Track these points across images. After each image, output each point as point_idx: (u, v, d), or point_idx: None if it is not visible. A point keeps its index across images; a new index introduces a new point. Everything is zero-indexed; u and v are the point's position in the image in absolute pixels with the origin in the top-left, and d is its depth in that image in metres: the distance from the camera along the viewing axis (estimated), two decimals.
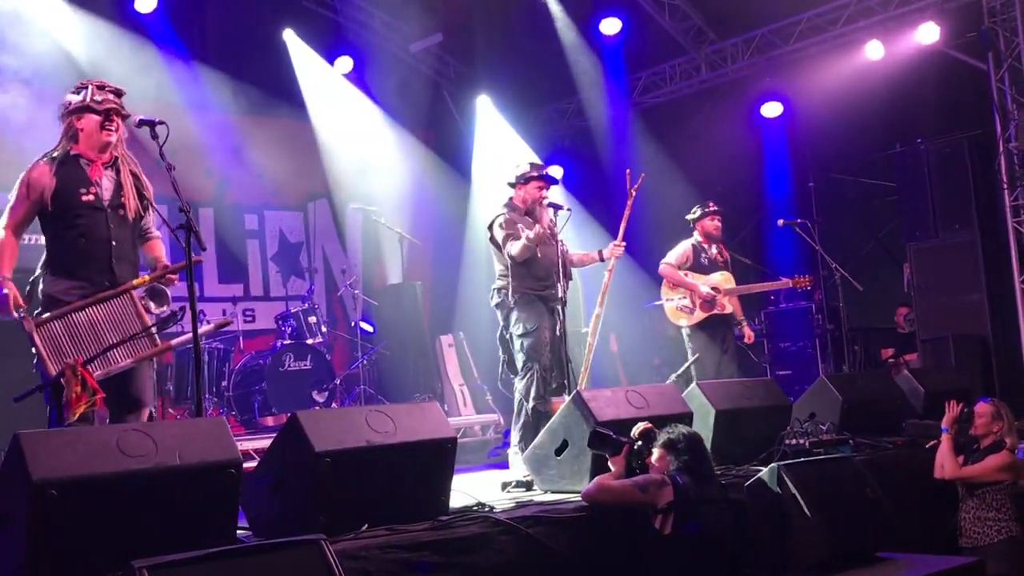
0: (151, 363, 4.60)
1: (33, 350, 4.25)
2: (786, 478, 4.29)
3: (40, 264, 4.51)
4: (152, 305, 4.50)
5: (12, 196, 4.46)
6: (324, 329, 9.09)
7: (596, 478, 4.30)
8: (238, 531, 3.60)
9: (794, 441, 5.47)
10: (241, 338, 9.23)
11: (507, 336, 6.39)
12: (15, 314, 4.28)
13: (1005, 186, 8.46)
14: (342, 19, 10.92)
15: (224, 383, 8.61)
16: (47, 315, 4.27)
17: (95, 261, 4.44)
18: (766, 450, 5.42)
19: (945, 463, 5.42)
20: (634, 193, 6.89)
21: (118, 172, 4.57)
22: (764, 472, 4.43)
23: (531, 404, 6.14)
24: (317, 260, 11.09)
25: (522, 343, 6.25)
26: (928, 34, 9.02)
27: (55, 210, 4.42)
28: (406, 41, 11.49)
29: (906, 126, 9.85)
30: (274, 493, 3.87)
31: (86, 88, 4.54)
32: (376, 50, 11.12)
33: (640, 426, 4.47)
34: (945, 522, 5.54)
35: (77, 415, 4.08)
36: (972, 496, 5.33)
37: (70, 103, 4.54)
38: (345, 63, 10.69)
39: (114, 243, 4.48)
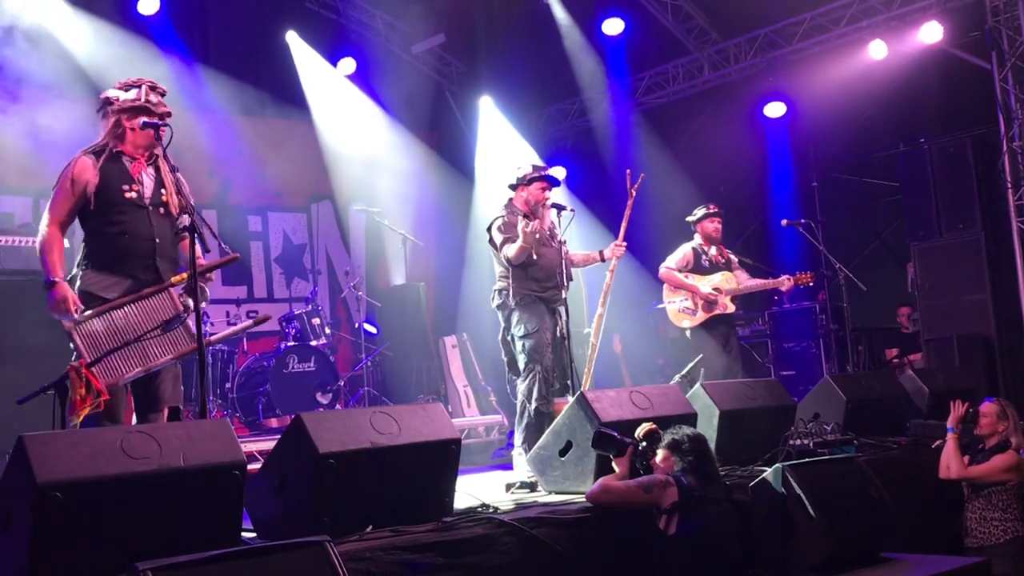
0: (177, 363, 4.59)
1: (71, 345, 4.25)
2: (791, 478, 4.29)
3: (76, 262, 4.50)
4: (190, 302, 4.48)
5: (55, 192, 4.43)
6: (328, 331, 9.10)
7: (600, 479, 4.30)
8: (243, 533, 3.60)
9: (798, 441, 5.46)
10: (245, 340, 9.23)
11: (508, 338, 6.39)
12: (74, 316, 4.24)
13: (1009, 185, 8.45)
14: (344, 20, 10.93)
15: (228, 385, 8.62)
16: (87, 312, 4.27)
17: (139, 258, 4.45)
18: (770, 451, 5.41)
19: (951, 463, 5.41)
20: (634, 193, 6.88)
21: (158, 170, 4.56)
22: (768, 472, 4.42)
23: (534, 405, 6.14)
24: (320, 262, 11.10)
25: (523, 344, 6.24)
26: (931, 33, 9.01)
27: (98, 206, 4.40)
28: (408, 42, 11.50)
29: (909, 125, 9.84)
30: (278, 495, 3.87)
31: (139, 87, 4.51)
32: (379, 51, 11.13)
33: (644, 427, 4.47)
34: (950, 522, 5.53)
35: (81, 417, 4.08)
36: (978, 496, 5.32)
37: (118, 99, 4.50)
38: (348, 64, 10.70)
39: (157, 240, 4.49)
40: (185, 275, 4.43)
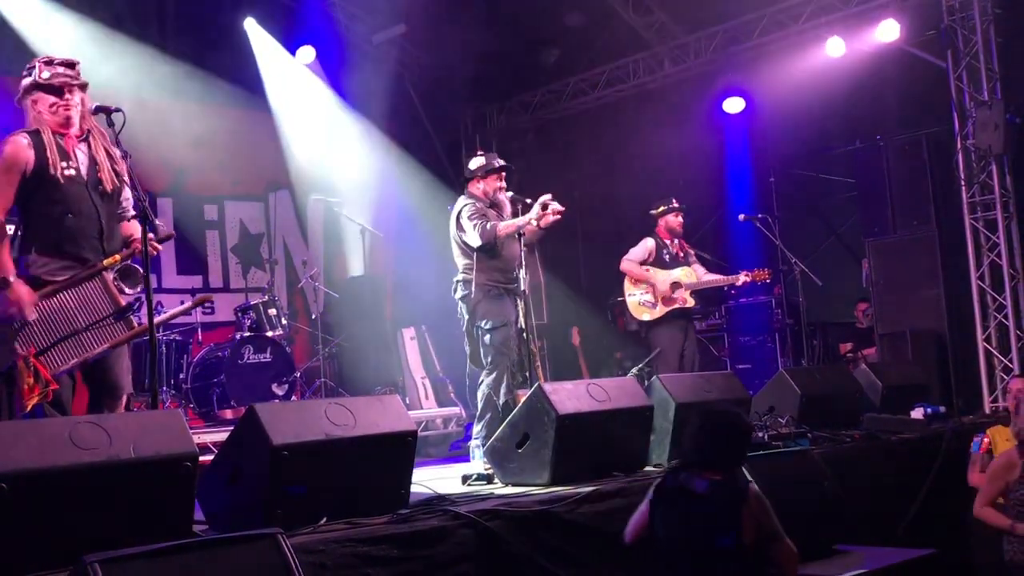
0: (127, 348, 4.50)
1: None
2: (745, 471, 4.31)
3: (16, 249, 4.34)
4: (124, 286, 4.39)
5: None
6: (284, 322, 9.00)
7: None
8: (195, 525, 3.56)
9: (753, 434, 5.50)
10: (200, 330, 9.11)
11: (474, 330, 6.37)
12: (29, 319, 4.11)
13: (963, 183, 8.56)
14: (304, 9, 10.81)
15: (182, 375, 8.51)
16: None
17: (85, 239, 4.32)
18: None
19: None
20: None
21: (91, 147, 4.44)
22: None
23: (502, 399, 6.15)
24: (278, 251, 10.98)
25: (491, 337, 6.23)
26: (888, 31, 9.09)
27: (36, 185, 4.26)
28: (369, 32, 11.41)
29: (866, 123, 9.94)
30: (231, 486, 3.83)
31: (34, 67, 4.40)
32: (339, 41, 11.03)
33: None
34: (901, 515, 5.60)
35: (30, 406, 4.02)
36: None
37: (24, 83, 4.41)
38: (307, 53, 10.60)
39: (103, 220, 4.38)
40: (118, 256, 4.34)
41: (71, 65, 4.47)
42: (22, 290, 4.14)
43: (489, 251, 6.30)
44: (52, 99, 4.36)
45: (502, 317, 6.23)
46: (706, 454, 3.74)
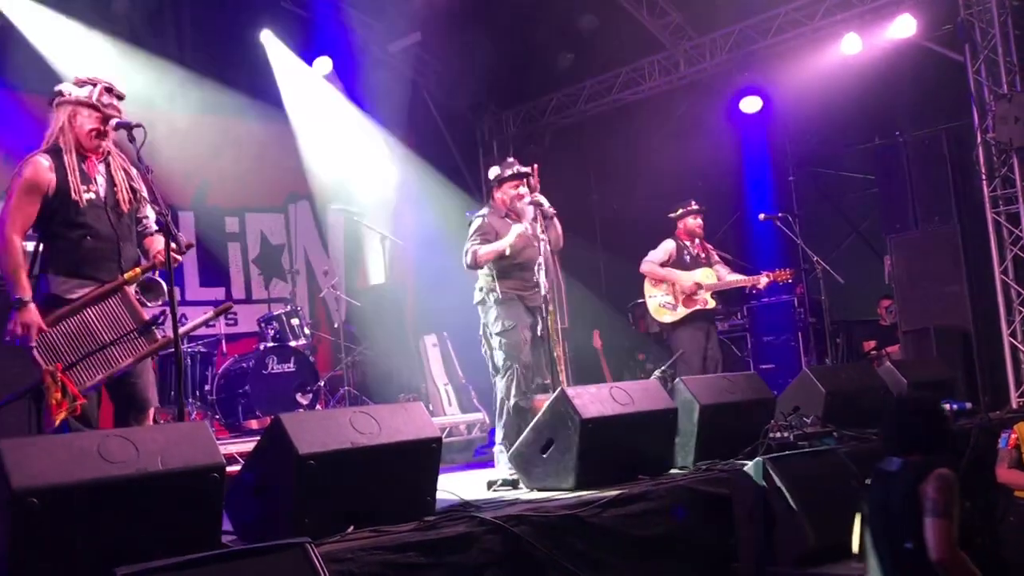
0: (151, 361, 4.53)
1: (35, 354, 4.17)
2: (771, 471, 4.30)
3: (36, 267, 4.37)
4: (146, 300, 4.41)
5: (10, 197, 4.28)
6: (307, 331, 9.05)
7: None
8: (223, 536, 3.58)
9: (779, 434, 5.48)
10: (224, 341, 9.17)
11: (488, 334, 6.43)
12: (33, 344, 4.13)
13: (984, 177, 8.50)
14: (320, 20, 10.87)
15: (207, 387, 8.57)
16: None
17: (103, 260, 4.35)
18: (751, 444, 5.43)
19: None
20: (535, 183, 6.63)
21: (108, 166, 4.47)
22: (749, 466, 4.44)
23: (512, 402, 6.17)
24: (299, 262, 11.03)
25: (500, 341, 6.29)
26: (905, 27, 9.05)
27: (57, 207, 4.28)
28: (385, 41, 11.46)
29: (884, 119, 9.90)
30: (258, 496, 3.85)
31: (94, 86, 4.42)
32: (355, 50, 11.08)
33: None
34: None
35: (58, 421, 4.05)
36: None
37: (70, 94, 4.41)
38: (324, 64, 10.66)
39: (121, 242, 4.41)
40: (139, 270, 4.37)
41: (121, 98, 4.51)
42: (33, 315, 4.16)
43: (505, 259, 6.32)
44: (95, 125, 4.38)
45: (511, 322, 6.27)
46: (900, 438, 3.77)
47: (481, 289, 6.46)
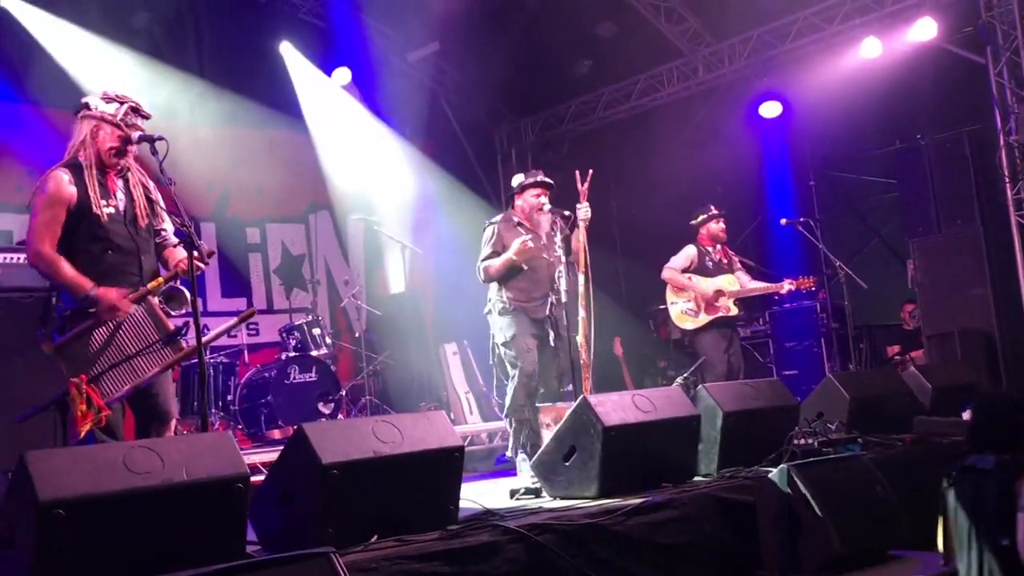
0: (172, 373, 4.55)
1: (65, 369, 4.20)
2: (796, 478, 4.27)
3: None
4: (170, 309, 4.44)
5: (35, 215, 4.31)
6: (328, 340, 9.09)
7: None
8: (248, 546, 3.59)
9: (803, 441, 5.45)
10: (246, 352, 9.22)
11: (492, 344, 6.48)
12: (128, 309, 4.21)
13: (1007, 179, 8.44)
14: (339, 30, 10.92)
15: (230, 397, 8.61)
16: (65, 337, 4.21)
17: (124, 274, 4.38)
18: (775, 451, 5.40)
19: None
20: (586, 191, 6.62)
21: (127, 181, 4.51)
22: (774, 473, 4.40)
23: (513, 413, 6.21)
24: (320, 271, 11.08)
25: (504, 352, 6.33)
26: (925, 30, 9.01)
27: (78, 221, 4.31)
28: (403, 51, 11.50)
29: (905, 122, 9.85)
30: (282, 506, 3.86)
31: (121, 104, 4.44)
32: (373, 60, 11.13)
33: None
34: None
35: (83, 433, 4.07)
36: None
37: (96, 108, 4.43)
38: (343, 74, 10.71)
39: (141, 254, 4.44)
40: (161, 279, 4.39)
41: (146, 118, 4.53)
42: (110, 292, 4.21)
43: (512, 273, 6.32)
44: (116, 144, 4.40)
45: (513, 331, 6.28)
46: (992, 436, 3.74)
47: (489, 300, 6.50)
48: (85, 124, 4.45)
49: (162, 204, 4.59)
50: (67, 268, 4.26)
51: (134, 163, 4.54)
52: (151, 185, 4.58)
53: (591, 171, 6.48)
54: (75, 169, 4.37)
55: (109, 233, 4.36)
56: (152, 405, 4.44)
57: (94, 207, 4.31)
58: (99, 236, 4.34)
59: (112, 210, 4.38)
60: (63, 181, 4.32)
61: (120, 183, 4.49)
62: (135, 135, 4.41)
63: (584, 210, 6.28)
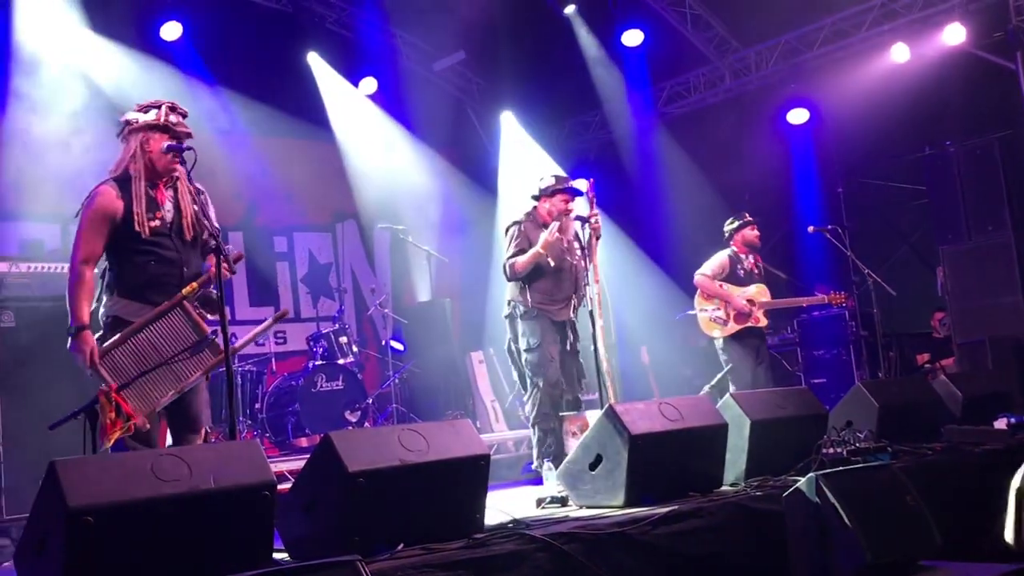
0: (206, 381, 4.57)
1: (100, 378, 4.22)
2: (825, 488, 4.23)
3: (101, 289, 4.44)
4: (207, 313, 4.45)
5: (80, 227, 4.35)
6: (355, 349, 9.13)
7: None
8: (274, 553, 3.60)
9: (831, 450, 5.39)
10: (273, 360, 9.27)
11: (514, 350, 6.41)
12: (87, 371, 4.21)
13: None
14: (365, 41, 10.99)
15: (257, 405, 8.65)
16: (105, 345, 4.24)
17: (166, 285, 4.39)
18: (803, 460, 5.35)
19: None
20: (593, 198, 6.54)
21: (176, 191, 4.51)
22: (802, 482, 4.37)
23: (534, 421, 6.18)
24: (346, 280, 11.14)
25: (527, 359, 6.28)
26: (954, 35, 8.94)
27: (124, 233, 4.34)
28: (429, 60, 11.55)
29: (934, 128, 9.76)
30: (309, 514, 3.87)
31: (158, 108, 4.46)
32: (400, 70, 11.18)
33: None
34: (988, 529, 5.43)
35: (112, 440, 4.10)
36: None
37: (137, 120, 4.45)
38: (369, 84, 10.78)
39: (185, 268, 4.46)
40: (195, 284, 4.40)
41: (185, 115, 4.54)
42: (87, 341, 4.22)
43: (537, 273, 6.30)
44: (168, 146, 4.39)
45: (536, 339, 6.24)
46: None
47: (510, 302, 6.44)
48: (132, 139, 4.46)
49: (209, 213, 4.58)
50: (78, 291, 4.28)
51: (184, 171, 4.48)
52: (208, 201, 4.56)
53: (592, 179, 6.55)
54: (122, 182, 4.40)
55: (153, 244, 4.38)
56: (185, 414, 4.46)
57: (137, 224, 4.33)
58: (143, 248, 4.37)
59: (158, 223, 4.39)
60: (110, 195, 4.35)
61: (170, 193, 4.50)
62: (164, 144, 4.40)
63: (596, 219, 6.30)
